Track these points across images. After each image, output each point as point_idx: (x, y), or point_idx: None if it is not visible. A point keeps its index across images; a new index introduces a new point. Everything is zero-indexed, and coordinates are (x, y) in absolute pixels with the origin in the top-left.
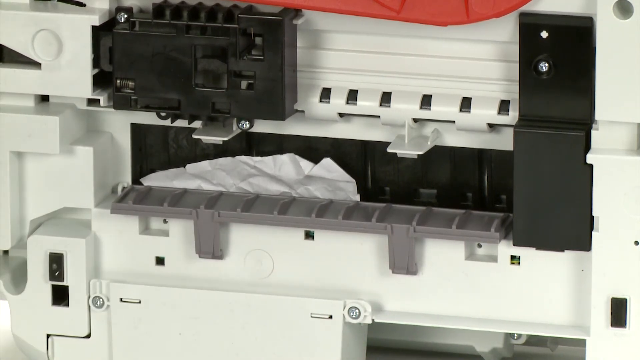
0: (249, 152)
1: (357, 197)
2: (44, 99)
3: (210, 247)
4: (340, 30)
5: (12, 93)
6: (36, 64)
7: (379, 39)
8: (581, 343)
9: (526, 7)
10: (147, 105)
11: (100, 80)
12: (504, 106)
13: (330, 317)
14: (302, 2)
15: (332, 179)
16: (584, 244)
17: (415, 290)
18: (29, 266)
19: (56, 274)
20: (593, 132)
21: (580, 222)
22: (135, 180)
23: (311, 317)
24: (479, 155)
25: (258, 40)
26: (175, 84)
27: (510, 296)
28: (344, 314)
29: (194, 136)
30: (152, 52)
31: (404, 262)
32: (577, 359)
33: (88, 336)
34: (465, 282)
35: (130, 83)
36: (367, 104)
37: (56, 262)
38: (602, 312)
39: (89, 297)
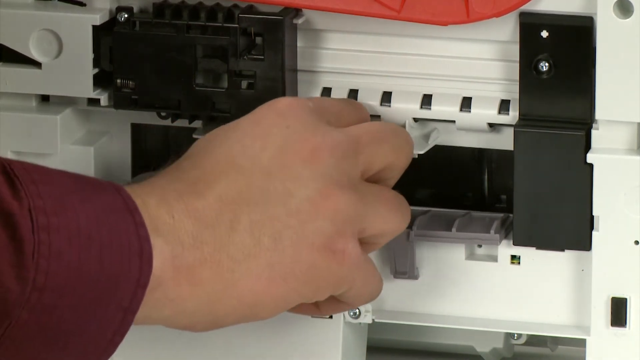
0: None
1: None
2: (45, 99)
3: None
4: (340, 29)
5: (12, 93)
6: (36, 64)
7: (379, 38)
8: (581, 343)
9: (526, 7)
10: (147, 105)
11: (101, 80)
12: (504, 106)
13: (330, 317)
14: (302, 2)
15: None
16: (584, 243)
17: (415, 290)
18: None
19: None
20: (593, 132)
21: (580, 222)
22: None
23: (311, 317)
24: (479, 155)
25: (258, 39)
26: (176, 83)
27: (510, 296)
28: (344, 314)
29: (194, 136)
30: (153, 52)
31: (404, 267)
32: (577, 359)
33: None
34: (465, 282)
35: (130, 83)
36: (367, 103)
37: None
38: (602, 312)
39: None
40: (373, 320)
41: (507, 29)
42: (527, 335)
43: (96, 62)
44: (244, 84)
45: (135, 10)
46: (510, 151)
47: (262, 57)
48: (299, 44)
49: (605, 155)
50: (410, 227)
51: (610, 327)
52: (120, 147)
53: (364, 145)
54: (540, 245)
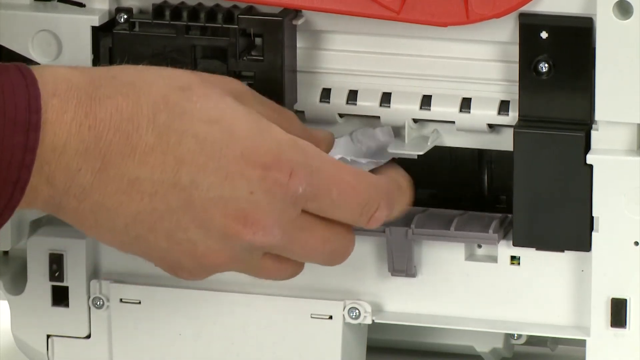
0: None
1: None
2: None
3: None
4: (340, 30)
5: None
6: (36, 65)
7: (379, 39)
8: (581, 343)
9: (526, 8)
10: None
11: None
12: (503, 107)
13: (330, 317)
14: (302, 3)
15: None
16: (584, 244)
17: (415, 290)
18: (29, 267)
19: (56, 274)
20: (593, 133)
21: (580, 223)
22: None
23: (311, 317)
24: (479, 156)
25: (258, 40)
26: None
27: (510, 296)
28: (344, 315)
29: None
30: (152, 53)
31: (402, 265)
32: (577, 359)
33: (88, 336)
34: (465, 282)
35: None
36: (367, 104)
37: (56, 263)
38: (602, 313)
39: (89, 297)
40: (373, 320)
41: (506, 30)
42: (527, 335)
43: (95, 63)
44: None
45: (134, 11)
46: (510, 152)
47: (262, 58)
48: (298, 45)
49: (605, 156)
50: (408, 225)
51: (610, 328)
52: None
53: None
54: (540, 246)
